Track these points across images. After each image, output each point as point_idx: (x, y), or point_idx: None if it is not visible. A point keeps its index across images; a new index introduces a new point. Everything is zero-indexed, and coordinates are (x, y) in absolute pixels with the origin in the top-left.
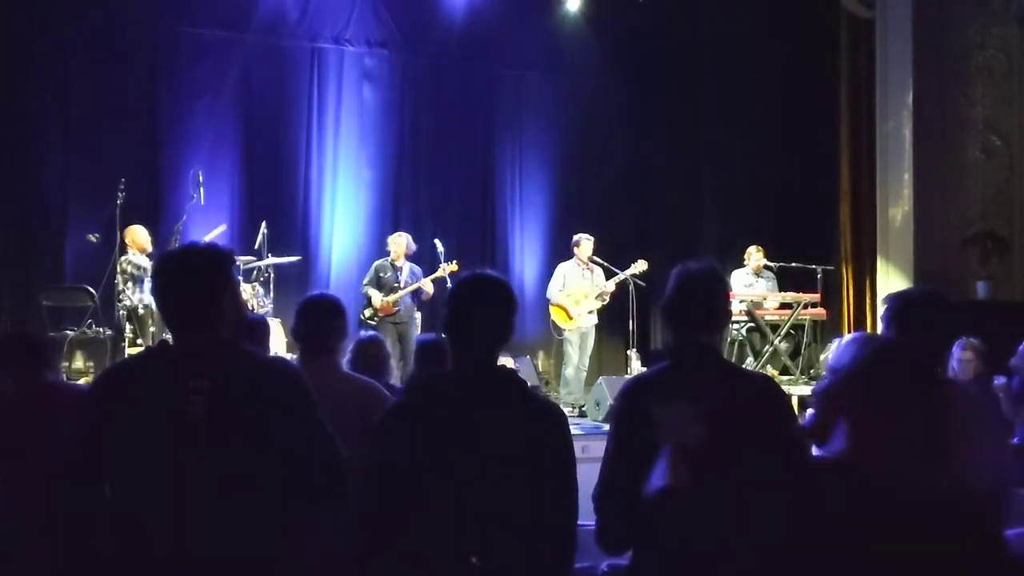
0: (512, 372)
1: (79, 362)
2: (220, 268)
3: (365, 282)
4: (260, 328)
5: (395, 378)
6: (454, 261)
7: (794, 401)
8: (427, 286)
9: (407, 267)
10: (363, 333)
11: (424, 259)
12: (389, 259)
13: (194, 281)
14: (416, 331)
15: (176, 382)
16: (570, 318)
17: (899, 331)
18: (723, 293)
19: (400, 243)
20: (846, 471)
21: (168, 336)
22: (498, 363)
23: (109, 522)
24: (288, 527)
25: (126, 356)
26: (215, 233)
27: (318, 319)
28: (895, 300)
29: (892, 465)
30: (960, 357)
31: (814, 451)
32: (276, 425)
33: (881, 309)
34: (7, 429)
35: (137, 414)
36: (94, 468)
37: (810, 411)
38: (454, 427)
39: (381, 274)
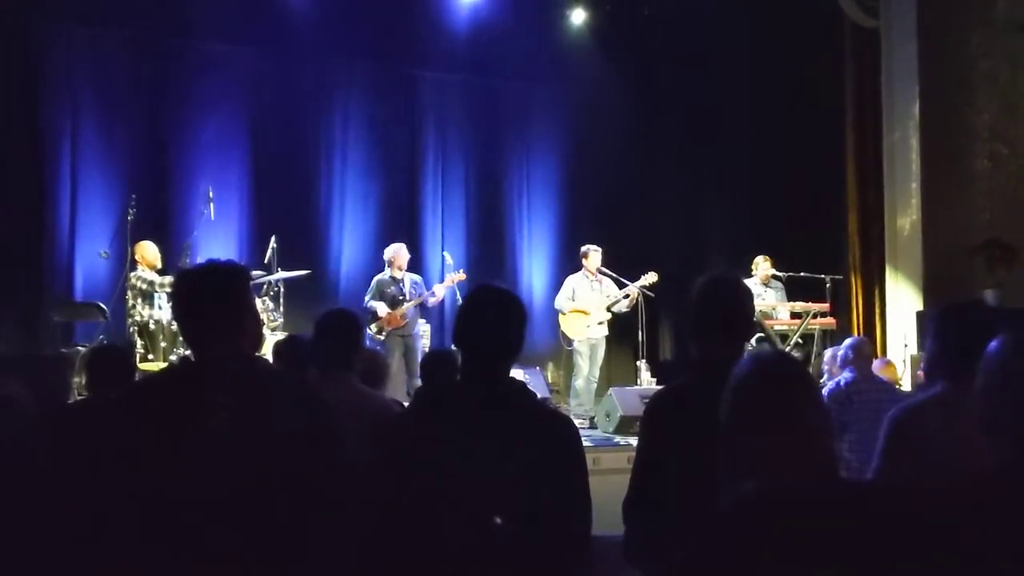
0: (521, 383)
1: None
2: (242, 284)
3: (368, 297)
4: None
5: (396, 389)
6: (461, 270)
7: None
8: (439, 291)
9: (408, 278)
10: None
11: (434, 271)
12: (389, 272)
13: (218, 297)
14: (422, 342)
15: (200, 396)
16: (579, 330)
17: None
18: (749, 304)
19: (398, 254)
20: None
21: (187, 352)
22: (510, 375)
23: (129, 535)
24: (303, 540)
25: (146, 372)
26: None
27: (337, 334)
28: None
29: None
30: None
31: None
32: (297, 441)
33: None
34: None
35: (161, 428)
36: (121, 481)
37: None
38: (463, 438)
39: (384, 288)
